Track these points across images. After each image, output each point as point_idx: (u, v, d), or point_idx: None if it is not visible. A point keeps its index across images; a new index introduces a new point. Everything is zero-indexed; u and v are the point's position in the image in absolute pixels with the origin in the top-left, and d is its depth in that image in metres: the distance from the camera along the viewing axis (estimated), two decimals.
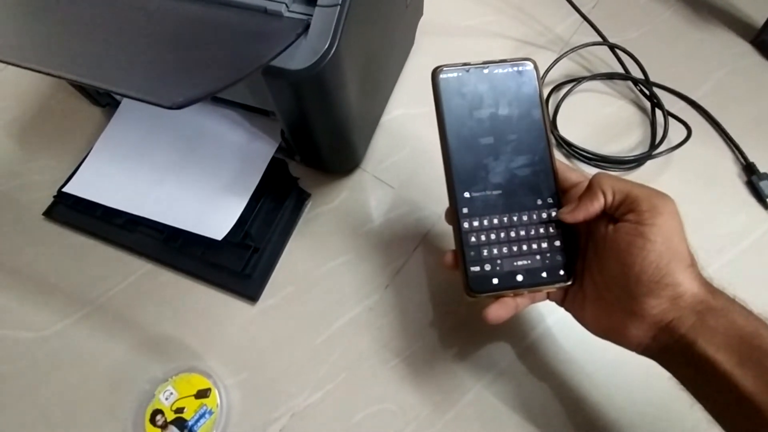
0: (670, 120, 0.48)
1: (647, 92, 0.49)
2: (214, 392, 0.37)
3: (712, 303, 0.27)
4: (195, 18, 0.32)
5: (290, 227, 0.45)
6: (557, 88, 0.51)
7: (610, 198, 0.29)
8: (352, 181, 0.47)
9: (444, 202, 0.45)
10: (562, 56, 0.51)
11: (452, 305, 0.41)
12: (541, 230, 0.32)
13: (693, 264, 0.28)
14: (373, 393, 0.39)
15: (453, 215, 0.32)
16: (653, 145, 0.47)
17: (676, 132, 0.47)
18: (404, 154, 0.48)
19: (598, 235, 0.30)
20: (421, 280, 0.42)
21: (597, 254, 0.30)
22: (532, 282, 0.31)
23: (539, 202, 0.32)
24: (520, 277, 0.31)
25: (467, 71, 0.33)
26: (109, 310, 0.42)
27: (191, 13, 0.32)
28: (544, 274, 0.31)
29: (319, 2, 0.32)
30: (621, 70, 0.51)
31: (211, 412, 0.36)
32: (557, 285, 0.31)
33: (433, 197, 0.46)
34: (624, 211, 0.28)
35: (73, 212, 0.46)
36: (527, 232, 0.32)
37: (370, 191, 0.47)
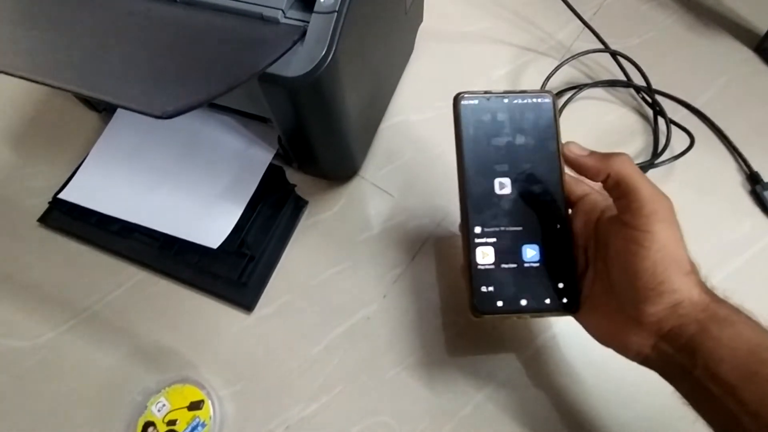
0: (673, 128, 0.47)
1: (649, 100, 0.49)
2: (207, 404, 0.36)
3: (715, 311, 0.26)
4: (189, 24, 0.31)
5: (287, 235, 0.44)
6: (558, 95, 0.50)
7: (614, 181, 0.28)
8: (351, 189, 0.46)
9: (442, 210, 0.45)
10: (564, 63, 0.51)
11: (451, 315, 0.41)
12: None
13: (693, 272, 0.27)
14: (369, 405, 0.38)
15: (464, 237, 0.33)
16: (655, 154, 0.46)
17: (679, 140, 0.46)
18: (403, 162, 0.48)
19: (606, 240, 0.30)
20: (420, 289, 0.42)
21: (605, 261, 0.30)
22: (536, 307, 0.32)
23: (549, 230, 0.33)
24: (524, 302, 0.32)
25: (488, 99, 0.33)
26: (103, 319, 0.42)
27: (186, 20, 0.32)
28: (547, 301, 0.32)
29: (315, 9, 0.32)
30: (623, 78, 0.50)
31: (204, 425, 0.36)
32: (560, 313, 0.32)
33: (431, 205, 0.45)
34: (624, 206, 0.28)
35: (68, 219, 0.45)
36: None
37: (369, 199, 0.46)
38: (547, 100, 0.33)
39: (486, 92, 0.33)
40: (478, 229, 0.32)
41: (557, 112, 0.33)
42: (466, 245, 0.32)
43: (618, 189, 0.28)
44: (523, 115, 0.33)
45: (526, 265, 0.32)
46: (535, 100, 0.33)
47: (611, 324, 0.29)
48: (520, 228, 0.32)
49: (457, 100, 0.33)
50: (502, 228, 0.32)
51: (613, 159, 0.29)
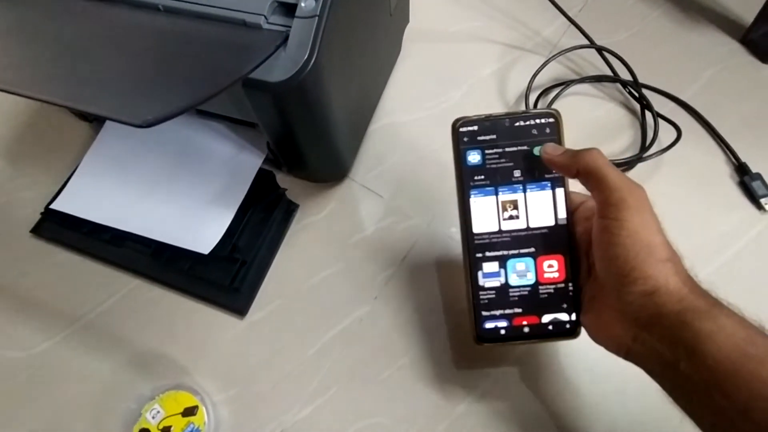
0: (660, 121, 0.47)
1: (636, 94, 0.49)
2: (202, 409, 0.36)
3: (692, 303, 0.25)
4: (172, 32, 0.32)
5: (278, 239, 0.44)
6: (546, 91, 0.50)
7: (584, 173, 0.29)
8: (341, 191, 0.47)
9: (432, 211, 0.45)
10: (550, 60, 0.51)
11: (442, 314, 0.41)
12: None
13: (671, 259, 0.27)
14: (364, 406, 0.38)
15: (467, 264, 0.32)
16: (644, 148, 0.46)
17: (667, 133, 0.47)
18: (392, 163, 0.48)
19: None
20: (411, 289, 0.42)
21: (594, 261, 0.30)
22: (540, 334, 0.32)
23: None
24: (528, 329, 0.32)
25: (488, 123, 0.32)
26: (97, 327, 0.42)
27: (168, 28, 0.32)
28: (550, 327, 0.32)
29: (297, 13, 0.32)
30: (609, 73, 0.51)
31: (198, 430, 0.36)
32: (562, 338, 0.32)
33: (421, 206, 0.45)
34: (596, 198, 0.28)
35: (60, 229, 0.45)
36: None
37: (359, 201, 0.46)
38: (552, 120, 0.32)
39: (486, 116, 0.32)
40: (480, 256, 0.32)
41: (563, 131, 0.32)
42: (468, 272, 0.32)
43: (589, 182, 0.29)
44: (526, 138, 0.32)
45: (530, 291, 0.32)
46: (539, 120, 0.32)
47: (602, 320, 0.30)
48: (525, 253, 0.32)
49: (455, 127, 0.32)
50: (506, 253, 0.32)
51: (582, 154, 0.29)
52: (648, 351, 0.27)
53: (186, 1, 0.33)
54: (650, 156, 0.45)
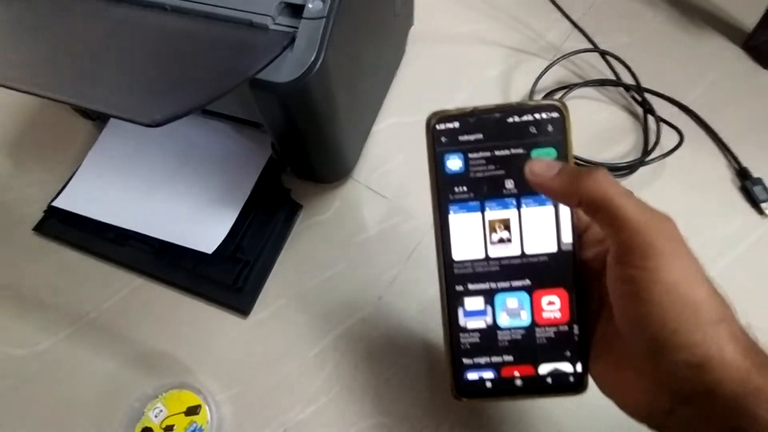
0: (662, 126, 0.47)
1: (639, 98, 0.49)
2: (204, 408, 0.36)
3: (759, 383, 0.19)
4: (179, 32, 0.32)
5: (282, 239, 0.44)
6: (549, 95, 0.50)
7: (590, 211, 0.22)
8: (344, 192, 0.47)
9: None
10: (554, 63, 0.51)
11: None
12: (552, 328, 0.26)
13: (724, 318, 0.20)
14: (366, 407, 0.38)
15: (444, 300, 0.27)
16: (646, 152, 0.46)
17: (669, 138, 0.47)
18: (396, 163, 0.48)
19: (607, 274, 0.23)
20: (414, 290, 0.42)
21: (609, 297, 0.24)
22: (534, 388, 0.26)
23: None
24: (520, 382, 0.26)
25: (472, 119, 0.25)
26: (100, 326, 0.42)
27: (176, 28, 0.32)
28: (549, 380, 0.26)
29: (304, 15, 0.32)
30: (612, 77, 0.51)
31: (201, 429, 0.36)
32: (563, 394, 0.26)
33: (425, 206, 0.44)
34: (610, 236, 0.22)
35: (63, 227, 0.45)
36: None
37: (363, 201, 0.46)
38: (555, 114, 0.25)
39: (471, 110, 0.25)
40: (461, 290, 0.26)
41: (569, 130, 0.25)
42: (446, 310, 0.27)
43: (598, 215, 0.22)
44: (522, 137, 0.25)
45: (525, 334, 0.26)
46: (538, 115, 0.25)
47: (620, 373, 0.23)
48: (518, 287, 0.26)
49: (430, 124, 0.25)
50: (494, 287, 0.26)
51: (584, 178, 0.22)
52: (689, 429, 0.21)
53: (193, 1, 0.33)
54: (652, 160, 0.46)
